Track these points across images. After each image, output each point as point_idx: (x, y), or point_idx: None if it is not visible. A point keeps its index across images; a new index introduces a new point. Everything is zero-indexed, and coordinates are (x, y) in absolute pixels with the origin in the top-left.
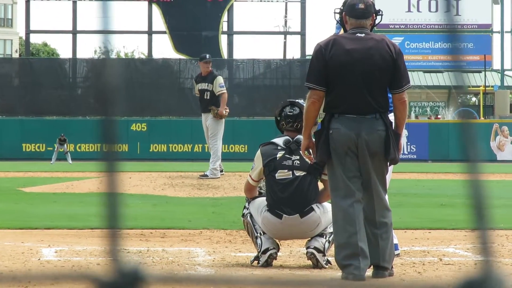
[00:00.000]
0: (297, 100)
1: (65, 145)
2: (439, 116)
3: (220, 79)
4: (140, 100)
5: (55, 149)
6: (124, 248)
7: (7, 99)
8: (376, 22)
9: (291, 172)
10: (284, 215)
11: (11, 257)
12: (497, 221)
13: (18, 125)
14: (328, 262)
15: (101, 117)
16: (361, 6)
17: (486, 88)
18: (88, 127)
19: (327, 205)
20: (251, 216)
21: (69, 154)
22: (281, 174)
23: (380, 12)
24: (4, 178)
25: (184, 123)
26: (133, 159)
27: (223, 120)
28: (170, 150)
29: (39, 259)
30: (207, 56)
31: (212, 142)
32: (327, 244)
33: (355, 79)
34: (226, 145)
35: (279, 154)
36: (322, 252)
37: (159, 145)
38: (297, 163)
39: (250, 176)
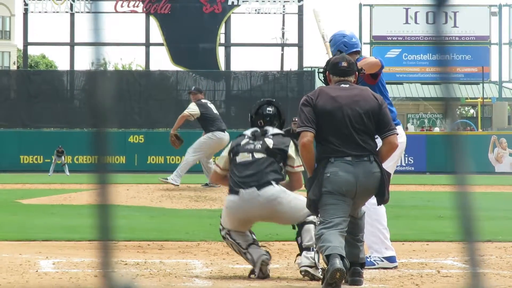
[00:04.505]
0: (273, 100)
1: (63, 157)
2: (436, 128)
3: (190, 105)
4: (138, 112)
5: (53, 161)
6: (117, 260)
7: (5, 111)
8: (359, 80)
9: (251, 154)
10: (241, 189)
11: (9, 269)
12: (495, 233)
13: (16, 137)
14: (322, 271)
15: (93, 130)
16: (344, 64)
17: (484, 100)
18: (85, 139)
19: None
20: (228, 233)
21: (66, 166)
22: (241, 157)
23: (362, 70)
24: (2, 190)
25: (181, 135)
26: (131, 171)
27: (211, 141)
28: (168, 162)
29: (36, 271)
30: (193, 87)
31: (189, 151)
32: (316, 256)
33: (343, 123)
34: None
35: (244, 141)
36: (314, 266)
37: (157, 157)
38: (258, 147)
39: (216, 164)
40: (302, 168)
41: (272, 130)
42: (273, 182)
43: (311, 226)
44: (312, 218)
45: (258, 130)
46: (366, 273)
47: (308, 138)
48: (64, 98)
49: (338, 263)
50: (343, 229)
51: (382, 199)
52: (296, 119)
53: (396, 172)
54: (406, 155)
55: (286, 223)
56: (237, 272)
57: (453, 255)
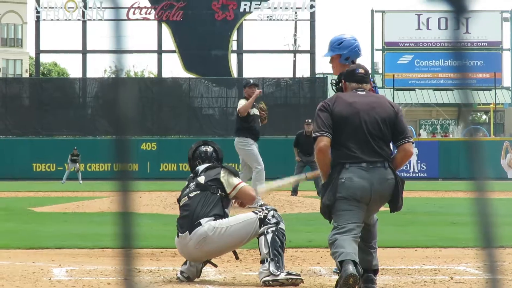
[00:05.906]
0: (209, 140)
1: (77, 163)
2: (448, 134)
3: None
4: (150, 119)
5: (67, 169)
6: (136, 268)
7: (17, 119)
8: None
9: (187, 197)
10: (180, 234)
11: (22, 277)
12: (509, 239)
13: (29, 145)
14: (288, 274)
15: (115, 137)
16: (361, 71)
17: (497, 106)
18: (98, 146)
19: (225, 223)
20: None
21: (80, 173)
22: (182, 202)
23: (373, 80)
24: (15, 198)
25: (193, 142)
26: (143, 178)
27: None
28: (180, 169)
29: (50, 279)
30: (251, 80)
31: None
32: (272, 265)
33: (359, 128)
34: (236, 164)
35: (184, 190)
36: (270, 274)
37: (169, 164)
38: (193, 187)
39: None
40: (240, 186)
41: (201, 167)
42: (203, 221)
43: (262, 238)
44: (262, 229)
45: (191, 175)
46: (379, 279)
47: (324, 142)
48: (76, 105)
49: (351, 269)
50: (357, 235)
51: (395, 206)
52: (309, 121)
53: (409, 178)
54: (419, 162)
55: (233, 249)
56: (250, 280)
57: (466, 261)
